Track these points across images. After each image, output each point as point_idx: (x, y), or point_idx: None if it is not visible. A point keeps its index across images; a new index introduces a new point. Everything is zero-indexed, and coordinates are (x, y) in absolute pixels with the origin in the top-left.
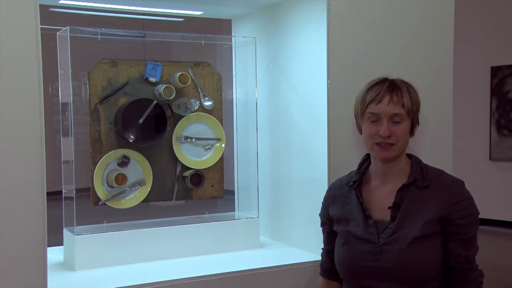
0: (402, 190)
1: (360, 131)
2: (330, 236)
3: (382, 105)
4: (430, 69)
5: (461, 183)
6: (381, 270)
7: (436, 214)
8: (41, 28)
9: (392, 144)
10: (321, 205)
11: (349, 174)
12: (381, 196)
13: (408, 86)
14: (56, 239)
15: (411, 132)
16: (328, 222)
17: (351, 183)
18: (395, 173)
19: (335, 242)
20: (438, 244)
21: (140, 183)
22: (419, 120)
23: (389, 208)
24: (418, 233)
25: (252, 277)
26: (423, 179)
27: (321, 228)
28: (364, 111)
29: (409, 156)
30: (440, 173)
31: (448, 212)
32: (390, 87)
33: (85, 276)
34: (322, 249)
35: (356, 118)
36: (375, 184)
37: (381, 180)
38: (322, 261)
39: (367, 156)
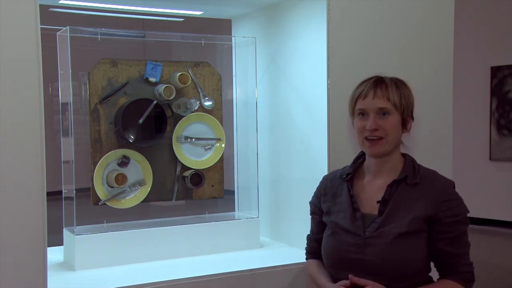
0: (392, 186)
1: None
2: (319, 226)
3: (368, 99)
4: (430, 69)
5: (451, 183)
6: (363, 263)
7: (423, 213)
8: (41, 28)
9: (381, 138)
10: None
11: (344, 167)
12: (372, 190)
13: (397, 82)
14: (56, 239)
15: (405, 127)
16: (319, 212)
17: (344, 176)
18: (388, 170)
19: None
20: (423, 243)
21: (140, 183)
22: (417, 118)
23: (377, 202)
24: (404, 230)
25: (252, 277)
26: (413, 177)
27: (310, 216)
28: (354, 108)
29: (404, 155)
30: (432, 173)
31: (435, 211)
32: (375, 82)
33: (85, 276)
34: (308, 235)
35: (350, 117)
36: (367, 179)
37: (373, 175)
38: (309, 246)
39: (363, 152)
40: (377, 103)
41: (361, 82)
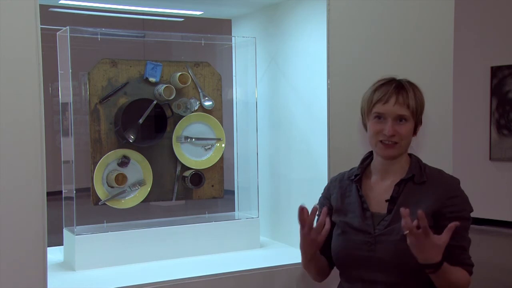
0: (400, 185)
1: (366, 128)
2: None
3: (389, 105)
4: (430, 69)
5: (457, 181)
6: (375, 261)
7: (430, 208)
8: (41, 28)
9: (396, 143)
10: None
11: (351, 169)
12: (380, 190)
13: (414, 87)
14: (56, 239)
15: (414, 131)
16: (328, 211)
17: (352, 177)
18: (395, 170)
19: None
20: None
21: (140, 183)
22: (422, 120)
23: (386, 201)
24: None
25: (252, 277)
26: (420, 175)
27: (317, 217)
28: (370, 110)
29: (409, 155)
30: (438, 171)
31: (440, 206)
32: (397, 88)
33: (85, 276)
34: None
35: (362, 116)
36: (375, 179)
37: (380, 175)
38: None
39: (370, 153)
40: (397, 110)
41: (378, 84)
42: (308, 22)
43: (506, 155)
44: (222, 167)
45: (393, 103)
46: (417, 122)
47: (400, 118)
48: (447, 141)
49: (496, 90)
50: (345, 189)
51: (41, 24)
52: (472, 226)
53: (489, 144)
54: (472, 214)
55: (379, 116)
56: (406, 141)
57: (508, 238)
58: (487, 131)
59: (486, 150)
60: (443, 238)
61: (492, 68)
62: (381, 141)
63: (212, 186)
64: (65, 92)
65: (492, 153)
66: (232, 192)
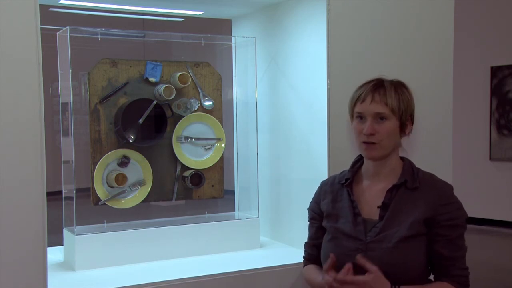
0: (392, 190)
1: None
2: (318, 231)
3: (366, 104)
4: (430, 69)
5: (451, 187)
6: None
7: (422, 215)
8: (41, 28)
9: (374, 143)
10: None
11: (342, 172)
12: (371, 195)
13: (396, 86)
14: (56, 239)
15: (403, 131)
16: (318, 217)
17: (343, 181)
18: (387, 173)
19: (323, 238)
20: (423, 246)
21: (140, 183)
22: (417, 118)
23: (378, 207)
24: (405, 233)
25: (252, 277)
26: (413, 181)
27: (309, 223)
28: (353, 110)
29: (402, 158)
30: (431, 177)
31: (434, 213)
32: (374, 86)
33: (85, 276)
34: (306, 242)
35: (350, 118)
36: (366, 184)
37: (372, 179)
38: (307, 253)
39: (360, 156)
40: (374, 108)
41: (361, 84)
42: (308, 22)
43: (506, 155)
44: (222, 167)
45: (369, 101)
46: (404, 122)
47: (380, 117)
48: (447, 141)
49: (496, 90)
50: (336, 193)
51: (41, 24)
52: (472, 226)
53: (489, 144)
54: (472, 214)
55: (360, 116)
56: (386, 141)
57: (508, 238)
58: (487, 131)
59: (486, 150)
60: (365, 277)
61: (492, 68)
62: (363, 142)
63: (212, 186)
64: (65, 92)
65: (492, 153)
66: (232, 192)
